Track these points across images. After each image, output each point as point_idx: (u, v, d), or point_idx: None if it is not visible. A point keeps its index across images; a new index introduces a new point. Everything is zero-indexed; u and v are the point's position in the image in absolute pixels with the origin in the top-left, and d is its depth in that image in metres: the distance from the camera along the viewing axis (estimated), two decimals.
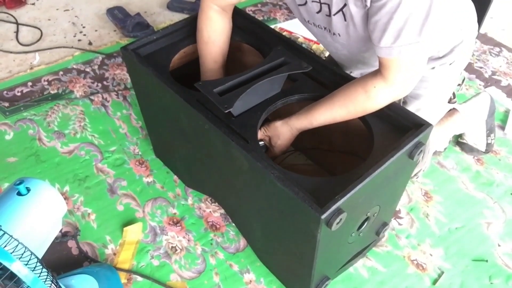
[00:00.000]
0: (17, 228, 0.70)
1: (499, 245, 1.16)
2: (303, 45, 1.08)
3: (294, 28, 1.78)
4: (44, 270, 0.67)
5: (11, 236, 0.65)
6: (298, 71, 0.92)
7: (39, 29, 1.80)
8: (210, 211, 1.21)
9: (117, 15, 1.82)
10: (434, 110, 1.18)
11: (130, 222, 1.18)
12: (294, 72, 0.92)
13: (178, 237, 1.16)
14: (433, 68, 1.05)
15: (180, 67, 1.13)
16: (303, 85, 0.98)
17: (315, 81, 0.99)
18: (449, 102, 1.28)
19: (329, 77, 0.99)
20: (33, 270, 0.66)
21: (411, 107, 1.12)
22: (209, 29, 1.02)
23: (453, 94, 1.35)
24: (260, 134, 1.01)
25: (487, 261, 1.13)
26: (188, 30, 1.12)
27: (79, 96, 1.52)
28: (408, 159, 0.87)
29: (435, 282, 1.08)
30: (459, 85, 1.37)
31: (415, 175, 1.25)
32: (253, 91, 0.87)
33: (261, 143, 1.00)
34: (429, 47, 0.84)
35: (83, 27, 1.82)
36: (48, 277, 0.68)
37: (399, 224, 1.19)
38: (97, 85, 1.56)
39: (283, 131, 0.97)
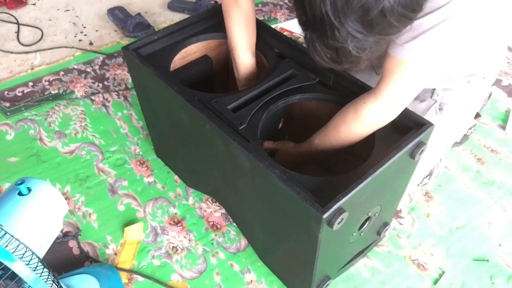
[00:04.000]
0: (18, 228, 0.70)
1: (500, 245, 1.16)
2: (304, 45, 1.08)
3: (294, 28, 1.78)
4: (45, 270, 0.67)
5: (12, 236, 0.65)
6: (306, 83, 0.97)
7: (40, 29, 1.80)
8: (211, 211, 1.21)
9: (118, 15, 1.82)
10: (462, 123, 1.18)
11: (131, 222, 1.18)
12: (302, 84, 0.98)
13: (179, 237, 1.16)
14: (469, 82, 1.05)
15: (181, 67, 1.13)
16: (305, 85, 0.98)
17: (317, 81, 0.99)
18: (474, 118, 1.26)
19: (330, 77, 0.99)
20: (34, 270, 0.65)
21: (443, 116, 1.09)
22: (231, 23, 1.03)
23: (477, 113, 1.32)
24: (270, 144, 1.04)
25: (488, 260, 1.13)
26: (189, 30, 1.12)
27: (80, 96, 1.52)
28: (409, 159, 0.87)
29: (436, 282, 1.08)
30: (484, 101, 1.35)
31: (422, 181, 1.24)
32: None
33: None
34: (436, 69, 0.83)
35: (84, 27, 1.82)
36: (49, 277, 0.68)
37: (400, 223, 1.19)
38: (98, 85, 1.56)
39: (288, 148, 1.01)
